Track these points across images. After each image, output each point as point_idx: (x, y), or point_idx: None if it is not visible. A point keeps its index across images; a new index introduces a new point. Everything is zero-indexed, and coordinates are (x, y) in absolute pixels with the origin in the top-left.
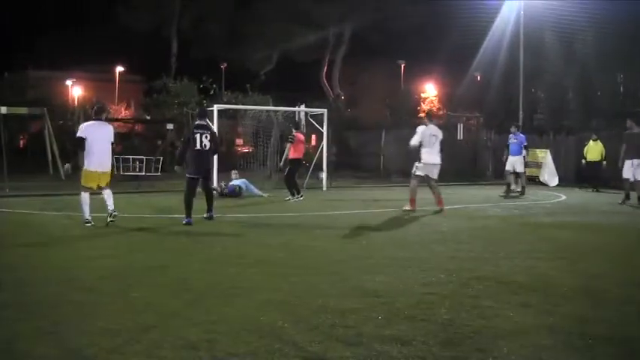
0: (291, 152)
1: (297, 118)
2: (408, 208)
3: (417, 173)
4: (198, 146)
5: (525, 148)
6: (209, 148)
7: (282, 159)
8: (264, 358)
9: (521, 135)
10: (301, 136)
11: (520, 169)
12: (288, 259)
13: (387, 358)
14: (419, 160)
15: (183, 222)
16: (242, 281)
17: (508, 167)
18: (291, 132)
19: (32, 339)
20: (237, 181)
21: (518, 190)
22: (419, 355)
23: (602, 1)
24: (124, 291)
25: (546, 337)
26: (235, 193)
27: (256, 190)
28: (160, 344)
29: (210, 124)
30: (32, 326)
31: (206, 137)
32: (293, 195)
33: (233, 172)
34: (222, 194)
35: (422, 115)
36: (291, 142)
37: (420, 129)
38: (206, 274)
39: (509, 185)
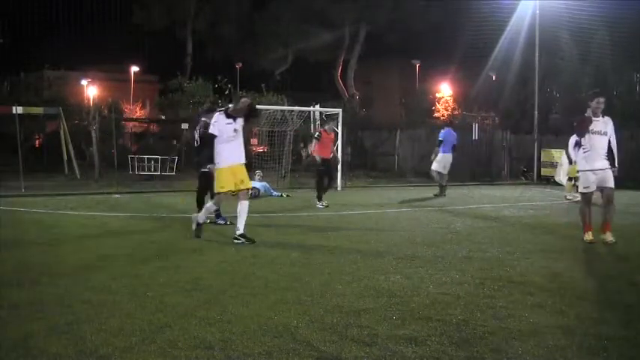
0: (318, 150)
1: (312, 118)
2: (588, 237)
3: (582, 190)
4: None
5: (453, 147)
6: (198, 145)
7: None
8: (278, 357)
9: (452, 132)
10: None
11: (436, 167)
12: (302, 258)
13: (402, 358)
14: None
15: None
16: (256, 281)
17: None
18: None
19: (47, 338)
20: (257, 184)
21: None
22: (433, 356)
23: (617, 1)
24: (138, 290)
25: (561, 337)
26: (254, 196)
27: (275, 192)
28: (174, 344)
29: (205, 118)
30: (47, 325)
31: (196, 132)
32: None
33: (257, 172)
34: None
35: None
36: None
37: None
38: (220, 274)
39: (442, 186)
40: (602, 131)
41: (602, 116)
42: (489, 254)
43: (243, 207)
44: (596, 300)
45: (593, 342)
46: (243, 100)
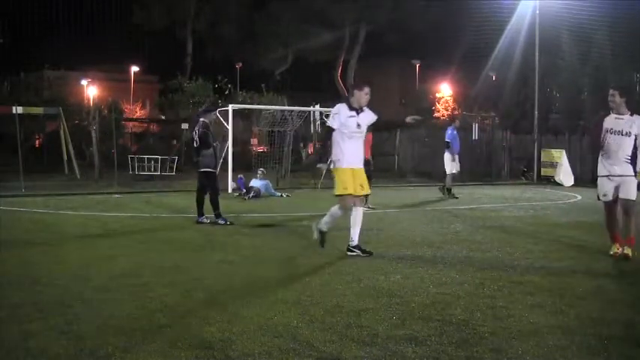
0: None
1: (311, 118)
2: (613, 249)
3: (601, 199)
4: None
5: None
6: (197, 145)
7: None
8: (278, 357)
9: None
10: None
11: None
12: (302, 258)
13: (402, 358)
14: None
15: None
16: (256, 281)
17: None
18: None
19: (47, 338)
20: (257, 183)
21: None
22: (433, 356)
23: (617, 1)
24: (138, 290)
25: (561, 337)
26: (255, 195)
27: (277, 193)
28: (174, 344)
29: (203, 118)
30: (47, 325)
31: (195, 133)
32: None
33: (259, 170)
34: (244, 197)
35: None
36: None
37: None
38: (220, 274)
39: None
40: (625, 131)
41: (631, 114)
42: (489, 254)
43: (358, 214)
44: (596, 300)
45: (593, 342)
46: (357, 92)
